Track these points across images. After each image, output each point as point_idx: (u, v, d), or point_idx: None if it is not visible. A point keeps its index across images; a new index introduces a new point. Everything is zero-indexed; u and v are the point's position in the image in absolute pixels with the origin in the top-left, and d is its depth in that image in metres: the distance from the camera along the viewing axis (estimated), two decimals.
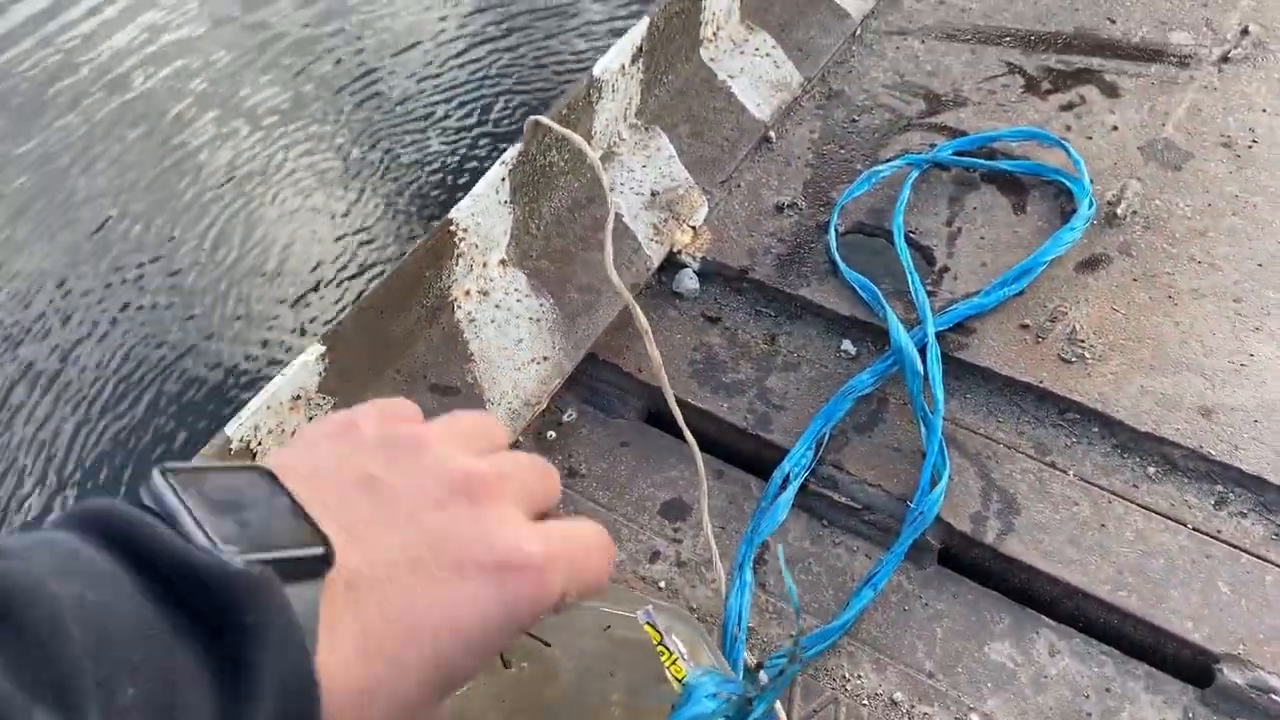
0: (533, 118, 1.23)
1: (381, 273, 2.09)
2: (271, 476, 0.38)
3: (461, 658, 0.38)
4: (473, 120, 2.44)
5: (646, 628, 0.66)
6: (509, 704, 0.72)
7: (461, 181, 2.29)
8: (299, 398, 1.04)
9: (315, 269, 2.15)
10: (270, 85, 2.54)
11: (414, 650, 0.37)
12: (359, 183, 2.32)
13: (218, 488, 0.36)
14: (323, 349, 1.04)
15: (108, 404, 1.93)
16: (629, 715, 0.75)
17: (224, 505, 0.35)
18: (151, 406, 1.92)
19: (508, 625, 0.39)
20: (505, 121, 2.43)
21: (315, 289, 2.10)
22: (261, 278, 2.13)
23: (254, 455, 0.99)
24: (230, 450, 0.96)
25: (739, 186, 1.44)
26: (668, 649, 0.64)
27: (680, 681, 0.61)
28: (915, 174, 1.41)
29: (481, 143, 2.38)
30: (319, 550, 0.36)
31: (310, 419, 1.04)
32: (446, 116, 2.46)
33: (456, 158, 2.35)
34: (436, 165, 2.34)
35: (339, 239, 2.20)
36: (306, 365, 1.03)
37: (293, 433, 1.02)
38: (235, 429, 0.96)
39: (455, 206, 1.19)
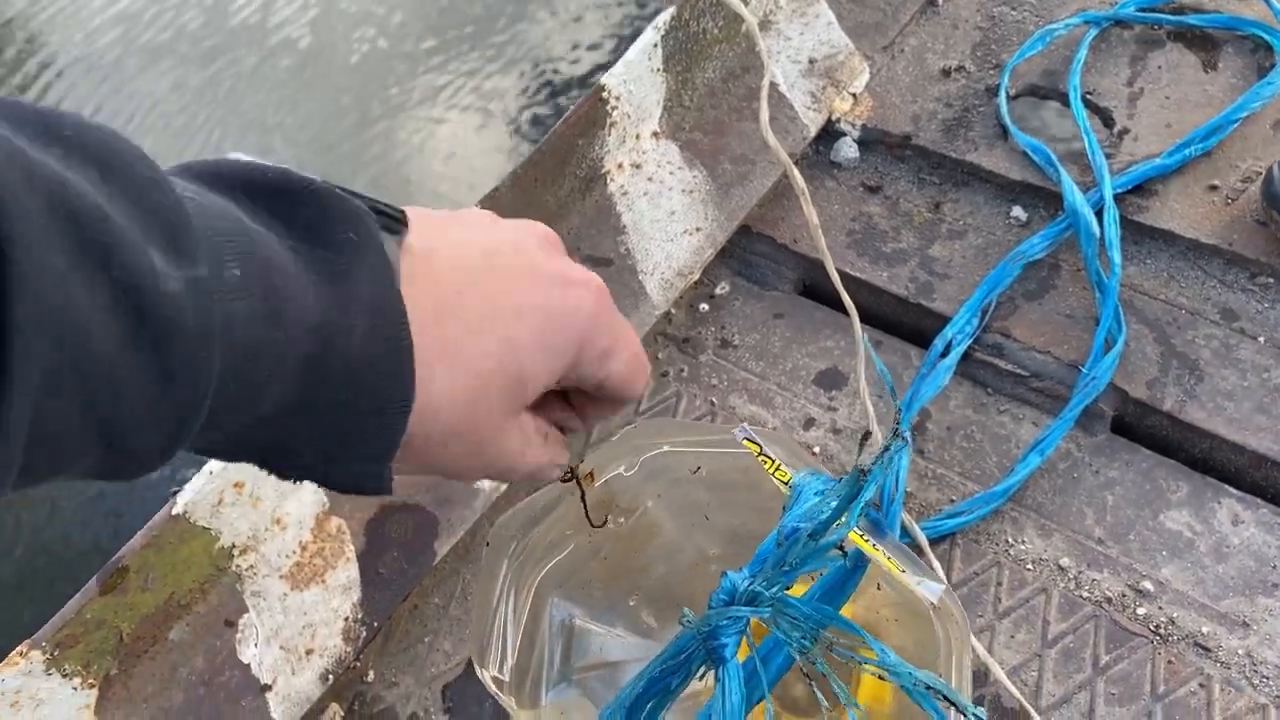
0: None
1: None
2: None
3: (527, 348, 0.39)
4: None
5: (745, 443, 0.65)
6: (610, 560, 0.72)
7: None
8: None
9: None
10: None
11: (488, 324, 0.38)
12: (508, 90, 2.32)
13: None
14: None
15: None
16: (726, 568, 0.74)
17: None
18: None
19: (565, 330, 0.40)
20: None
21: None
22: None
23: None
24: None
25: (902, 51, 1.37)
26: (770, 458, 0.63)
27: (786, 484, 0.60)
28: (1094, 32, 1.32)
29: None
30: (397, 211, 0.37)
31: None
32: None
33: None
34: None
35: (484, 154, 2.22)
36: None
37: None
38: None
39: (608, 72, 1.17)
